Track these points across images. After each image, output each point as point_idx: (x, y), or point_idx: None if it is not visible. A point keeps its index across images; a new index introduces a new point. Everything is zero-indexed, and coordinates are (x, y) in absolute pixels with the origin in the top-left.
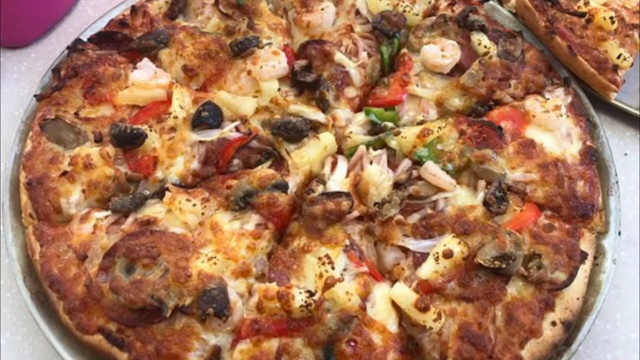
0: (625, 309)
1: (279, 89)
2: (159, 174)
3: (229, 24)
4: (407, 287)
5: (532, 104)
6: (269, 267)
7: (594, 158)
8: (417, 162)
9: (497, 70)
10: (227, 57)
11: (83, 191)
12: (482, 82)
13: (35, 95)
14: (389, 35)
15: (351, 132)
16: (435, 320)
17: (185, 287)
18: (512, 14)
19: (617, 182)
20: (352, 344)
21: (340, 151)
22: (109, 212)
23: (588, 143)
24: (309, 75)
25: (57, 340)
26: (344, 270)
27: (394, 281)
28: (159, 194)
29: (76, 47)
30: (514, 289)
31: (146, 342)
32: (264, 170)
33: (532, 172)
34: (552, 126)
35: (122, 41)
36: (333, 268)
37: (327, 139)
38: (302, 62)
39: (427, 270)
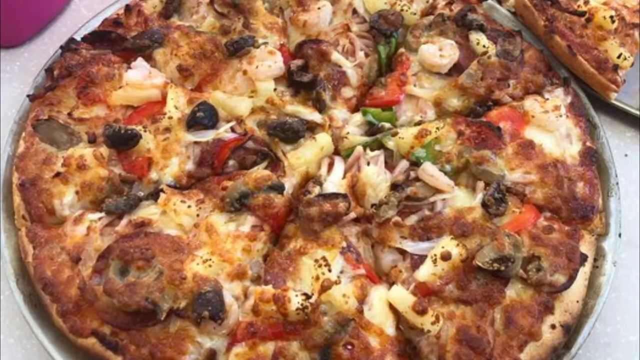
0: (625, 312)
1: (275, 89)
2: (153, 175)
3: (225, 23)
4: (405, 290)
5: (531, 104)
6: (264, 270)
7: (594, 159)
8: (415, 163)
9: (495, 70)
10: (223, 56)
11: (76, 192)
12: (481, 82)
13: (28, 96)
14: (387, 35)
15: (348, 133)
16: (433, 323)
17: (180, 289)
18: (511, 13)
19: (617, 184)
20: (349, 347)
21: (337, 152)
22: (102, 214)
23: (588, 144)
24: (306, 75)
25: (51, 343)
26: (341, 272)
27: (391, 284)
28: (154, 196)
29: (70, 46)
30: (513, 292)
31: (140, 345)
32: (260, 172)
33: (532, 173)
34: (552, 127)
35: (116, 41)
36: (330, 270)
37: (323, 139)
38: (298, 62)
39: (425, 272)
